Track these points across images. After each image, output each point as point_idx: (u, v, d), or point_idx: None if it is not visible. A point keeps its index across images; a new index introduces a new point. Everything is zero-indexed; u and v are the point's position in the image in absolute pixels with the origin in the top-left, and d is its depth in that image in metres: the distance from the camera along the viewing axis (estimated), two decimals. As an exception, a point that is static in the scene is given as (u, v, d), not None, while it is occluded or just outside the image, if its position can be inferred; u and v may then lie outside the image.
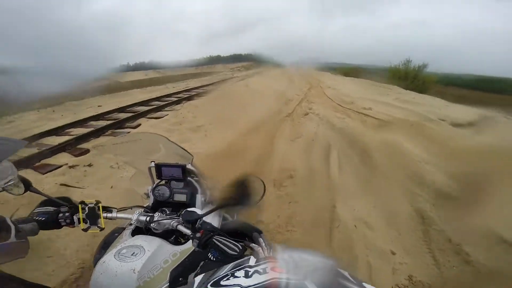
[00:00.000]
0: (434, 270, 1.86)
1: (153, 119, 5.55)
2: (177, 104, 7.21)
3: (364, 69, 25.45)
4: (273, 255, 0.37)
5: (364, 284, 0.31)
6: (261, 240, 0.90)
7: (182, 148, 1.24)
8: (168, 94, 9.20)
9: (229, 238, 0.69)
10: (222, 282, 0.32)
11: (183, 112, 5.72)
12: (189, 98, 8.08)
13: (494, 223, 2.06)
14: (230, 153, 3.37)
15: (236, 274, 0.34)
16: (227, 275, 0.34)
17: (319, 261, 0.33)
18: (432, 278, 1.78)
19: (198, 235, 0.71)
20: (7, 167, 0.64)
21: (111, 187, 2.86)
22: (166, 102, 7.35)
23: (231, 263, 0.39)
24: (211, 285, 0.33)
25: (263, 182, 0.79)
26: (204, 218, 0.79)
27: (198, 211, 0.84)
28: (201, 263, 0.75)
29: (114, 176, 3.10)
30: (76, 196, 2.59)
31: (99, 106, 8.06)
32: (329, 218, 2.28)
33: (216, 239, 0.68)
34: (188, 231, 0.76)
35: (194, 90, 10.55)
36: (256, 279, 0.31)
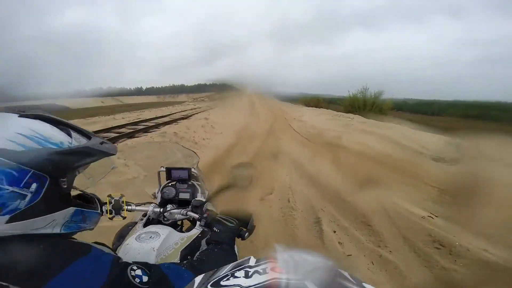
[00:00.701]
0: None
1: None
2: (113, 142, 5.69)
3: (324, 98, 26.82)
4: (273, 255, 0.32)
5: (364, 284, 0.30)
6: (251, 220, 0.98)
7: (192, 150, 1.54)
8: (108, 128, 7.58)
9: (227, 216, 0.90)
10: (222, 282, 0.31)
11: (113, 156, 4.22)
12: (131, 135, 6.60)
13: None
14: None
15: (236, 274, 0.32)
16: (227, 275, 0.33)
17: (319, 261, 0.32)
18: None
19: (205, 215, 0.94)
20: (112, 161, 0.73)
21: None
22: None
23: (231, 263, 0.37)
24: (211, 285, 0.32)
25: (252, 169, 0.99)
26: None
27: (203, 199, 1.06)
28: (209, 235, 0.87)
29: None
30: None
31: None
32: None
33: (219, 217, 0.89)
34: (196, 215, 0.96)
35: (144, 123, 9.05)
36: (256, 279, 0.30)
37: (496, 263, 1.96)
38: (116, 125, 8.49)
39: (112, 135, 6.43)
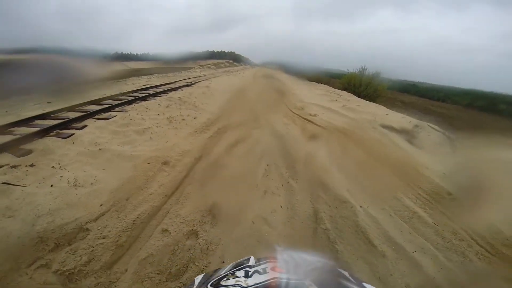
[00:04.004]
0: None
1: (101, 120, 5.39)
2: (129, 104, 7.08)
3: (327, 73, 26.91)
4: (273, 255, 0.37)
5: (364, 284, 0.31)
6: None
7: None
8: (124, 93, 8.87)
9: None
10: (222, 282, 0.32)
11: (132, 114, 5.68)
12: (144, 98, 7.94)
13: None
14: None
15: (236, 274, 0.33)
16: (227, 275, 0.34)
17: (319, 261, 0.33)
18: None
19: None
20: None
21: (51, 185, 2.90)
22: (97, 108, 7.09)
23: (231, 263, 0.39)
24: (211, 285, 0.32)
25: None
26: None
27: None
28: None
29: (54, 176, 3.13)
30: (17, 194, 2.66)
31: (48, 103, 7.49)
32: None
33: None
34: None
35: (153, 89, 10.31)
36: (256, 279, 0.31)
37: (352, 211, 2.79)
38: (129, 90, 9.77)
39: (129, 98, 7.80)
